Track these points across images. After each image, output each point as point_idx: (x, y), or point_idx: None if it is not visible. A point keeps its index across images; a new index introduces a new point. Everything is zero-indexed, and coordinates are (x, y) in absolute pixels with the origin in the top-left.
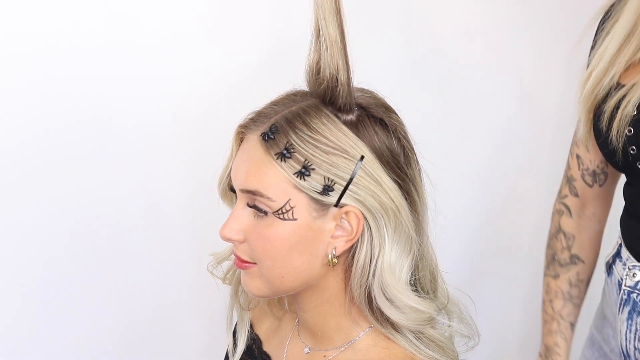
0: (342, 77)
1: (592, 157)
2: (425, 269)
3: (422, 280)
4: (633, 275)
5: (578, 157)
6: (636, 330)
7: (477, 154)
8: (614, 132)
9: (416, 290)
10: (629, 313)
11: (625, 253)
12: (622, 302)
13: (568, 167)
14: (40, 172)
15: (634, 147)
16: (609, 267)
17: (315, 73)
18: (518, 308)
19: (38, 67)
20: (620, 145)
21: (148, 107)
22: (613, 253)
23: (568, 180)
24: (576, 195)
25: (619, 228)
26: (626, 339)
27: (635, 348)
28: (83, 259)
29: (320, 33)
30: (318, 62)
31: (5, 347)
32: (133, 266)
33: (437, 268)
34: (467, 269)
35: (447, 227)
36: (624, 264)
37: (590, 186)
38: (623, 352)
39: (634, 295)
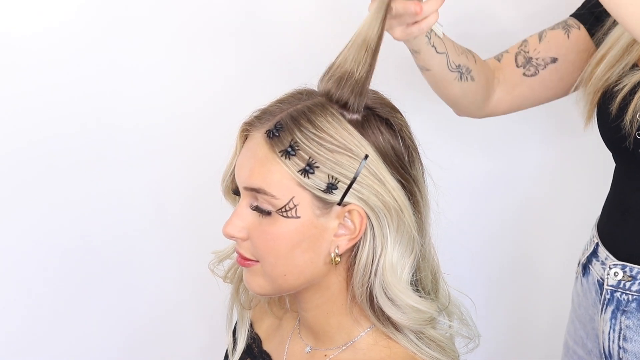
0: (362, 74)
1: (539, 48)
2: (426, 270)
3: (424, 281)
4: (615, 274)
5: (525, 41)
6: (620, 329)
7: (481, 155)
8: (628, 117)
9: (417, 291)
10: (613, 312)
11: (603, 252)
12: (605, 302)
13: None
14: (42, 176)
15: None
16: (585, 268)
17: (339, 72)
18: (519, 310)
19: (37, 71)
20: (635, 131)
21: (150, 107)
22: (588, 253)
23: (506, 51)
24: (499, 60)
25: (589, 229)
26: (609, 339)
27: (619, 347)
28: (85, 258)
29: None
30: (343, 62)
31: (10, 349)
32: (134, 265)
33: (439, 269)
34: (469, 270)
35: (449, 228)
36: (603, 263)
37: (517, 67)
38: (605, 353)
39: (618, 294)
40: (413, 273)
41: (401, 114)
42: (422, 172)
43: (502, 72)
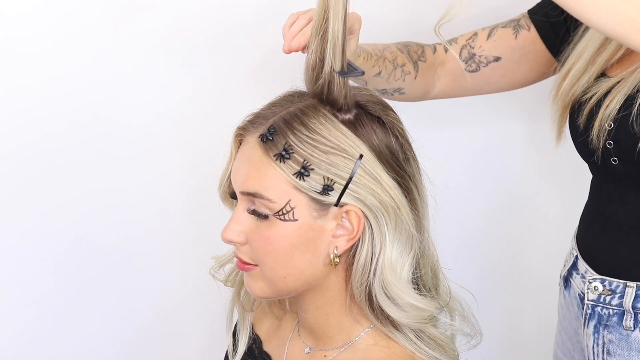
0: (341, 71)
1: (484, 46)
2: (426, 267)
3: (424, 278)
4: (595, 288)
5: (475, 34)
6: (603, 343)
7: (478, 149)
8: (595, 130)
9: (418, 288)
10: (595, 327)
11: (582, 265)
12: (587, 317)
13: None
14: (42, 175)
15: (610, 142)
16: (566, 281)
17: (314, 70)
18: (520, 305)
19: (38, 68)
20: (601, 144)
21: (149, 108)
22: (569, 266)
23: (453, 40)
24: (445, 51)
25: (568, 241)
26: (594, 353)
27: None
28: (84, 260)
29: (323, 29)
30: (317, 59)
31: (11, 350)
32: (134, 266)
33: (439, 265)
34: (469, 265)
35: (448, 223)
36: (583, 277)
37: (461, 60)
38: None
39: (598, 308)
40: (413, 271)
41: (393, 111)
42: (418, 168)
43: (443, 67)
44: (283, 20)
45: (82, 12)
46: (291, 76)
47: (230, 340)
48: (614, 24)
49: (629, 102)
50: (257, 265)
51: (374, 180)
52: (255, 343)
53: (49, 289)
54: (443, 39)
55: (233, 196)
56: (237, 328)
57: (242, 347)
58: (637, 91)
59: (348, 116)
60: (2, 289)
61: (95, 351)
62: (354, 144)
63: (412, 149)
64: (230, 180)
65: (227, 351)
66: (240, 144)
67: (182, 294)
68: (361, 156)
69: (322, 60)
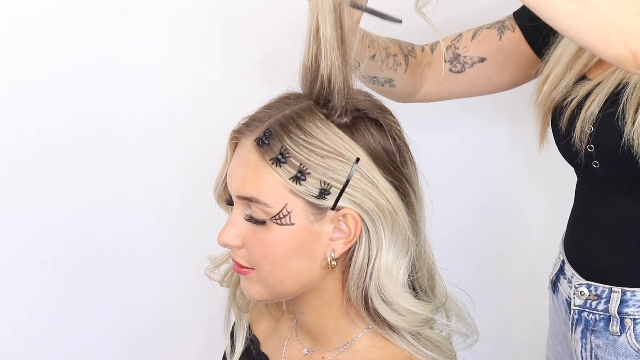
0: (339, 79)
1: (469, 46)
2: (423, 269)
3: (420, 280)
4: (581, 293)
5: (460, 35)
6: (591, 348)
7: (474, 151)
8: (577, 133)
9: (414, 290)
10: (582, 332)
11: (569, 270)
12: (574, 322)
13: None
14: (41, 174)
15: (591, 146)
16: (554, 285)
17: (311, 74)
18: (517, 305)
19: (37, 65)
20: (584, 146)
21: (148, 105)
22: (556, 270)
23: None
24: (432, 51)
25: (556, 246)
26: (582, 358)
27: None
28: (82, 259)
29: (315, 29)
30: (313, 63)
31: (9, 349)
32: (133, 268)
33: (435, 266)
34: (466, 266)
35: (444, 224)
36: (569, 282)
37: (446, 61)
38: None
39: (585, 314)
40: (409, 274)
41: (391, 114)
42: (415, 170)
43: (430, 67)
44: (283, 21)
45: (82, 9)
46: (287, 77)
47: (228, 341)
48: (584, 34)
49: (609, 103)
50: (254, 268)
51: (371, 184)
52: (253, 344)
53: (49, 288)
54: (427, 18)
55: (229, 202)
56: (235, 329)
57: (239, 348)
58: (622, 87)
59: (345, 119)
60: (2, 288)
61: (95, 351)
62: (350, 147)
63: (409, 151)
64: (226, 183)
65: (224, 352)
66: (236, 147)
67: (181, 293)
68: (358, 160)
69: (317, 61)
